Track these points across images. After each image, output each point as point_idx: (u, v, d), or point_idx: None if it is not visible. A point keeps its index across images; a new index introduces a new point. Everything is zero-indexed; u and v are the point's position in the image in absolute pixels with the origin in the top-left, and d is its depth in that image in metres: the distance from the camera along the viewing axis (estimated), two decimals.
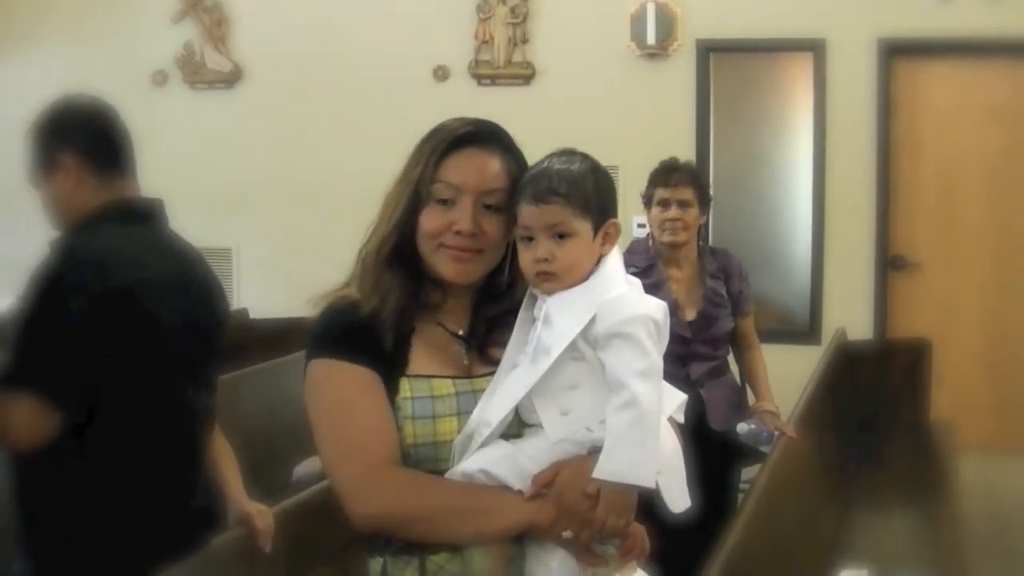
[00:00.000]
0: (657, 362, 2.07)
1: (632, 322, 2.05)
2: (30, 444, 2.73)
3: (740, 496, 4.47)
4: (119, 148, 3.01)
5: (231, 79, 8.78)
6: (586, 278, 2.13)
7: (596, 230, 2.14)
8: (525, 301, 2.20)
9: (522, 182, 2.17)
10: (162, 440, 2.93)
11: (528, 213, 2.12)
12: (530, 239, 2.13)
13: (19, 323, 2.76)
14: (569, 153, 2.20)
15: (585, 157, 2.20)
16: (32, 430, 2.72)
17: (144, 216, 3.01)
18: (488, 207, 2.17)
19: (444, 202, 2.16)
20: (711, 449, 4.09)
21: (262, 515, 3.18)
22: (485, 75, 8.33)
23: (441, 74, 8.37)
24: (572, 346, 2.07)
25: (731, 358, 4.88)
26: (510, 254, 2.23)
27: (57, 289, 2.76)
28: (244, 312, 7.65)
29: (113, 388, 2.80)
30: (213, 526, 3.06)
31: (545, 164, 2.16)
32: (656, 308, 2.11)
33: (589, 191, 2.13)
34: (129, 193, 3.00)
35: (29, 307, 2.76)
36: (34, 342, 2.76)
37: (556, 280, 2.12)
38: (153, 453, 2.90)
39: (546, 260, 2.11)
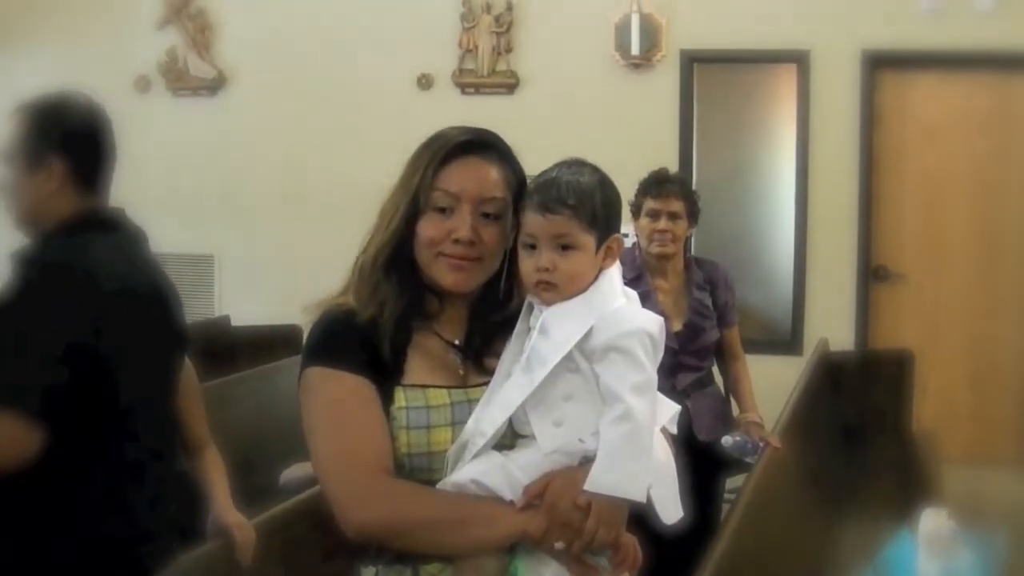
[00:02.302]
0: (652, 377, 2.07)
1: (629, 336, 2.05)
2: (16, 462, 2.66)
3: (725, 507, 4.47)
4: (106, 161, 2.97)
5: (214, 86, 8.77)
6: (585, 290, 2.13)
7: (600, 244, 2.13)
8: (523, 311, 2.20)
9: (529, 189, 2.17)
10: (143, 451, 2.91)
11: (534, 222, 2.12)
12: (533, 247, 2.13)
13: None
14: (579, 163, 2.19)
15: (594, 169, 2.19)
16: (17, 448, 2.66)
17: (113, 226, 2.97)
18: (486, 216, 2.17)
19: (443, 210, 2.15)
20: (696, 459, 4.08)
21: (242, 528, 3.16)
22: (469, 84, 8.33)
23: (425, 82, 8.36)
24: (568, 357, 2.06)
25: (714, 369, 4.88)
26: (507, 263, 2.22)
27: (40, 300, 2.71)
28: (226, 319, 7.62)
29: (98, 398, 2.77)
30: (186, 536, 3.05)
31: (554, 173, 2.15)
32: (652, 323, 2.11)
33: (597, 205, 2.12)
34: (100, 203, 2.97)
35: (8, 318, 2.71)
36: (15, 356, 2.69)
37: (555, 290, 2.12)
38: (134, 464, 2.89)
39: (547, 270, 2.10)
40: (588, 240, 2.11)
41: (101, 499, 2.81)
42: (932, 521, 3.21)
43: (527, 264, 2.14)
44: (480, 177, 2.18)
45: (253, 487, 4.00)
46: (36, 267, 2.77)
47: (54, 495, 2.77)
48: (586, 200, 2.11)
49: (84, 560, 2.78)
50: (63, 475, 2.74)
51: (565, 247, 2.11)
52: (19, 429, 2.64)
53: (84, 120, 2.95)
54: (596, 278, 2.14)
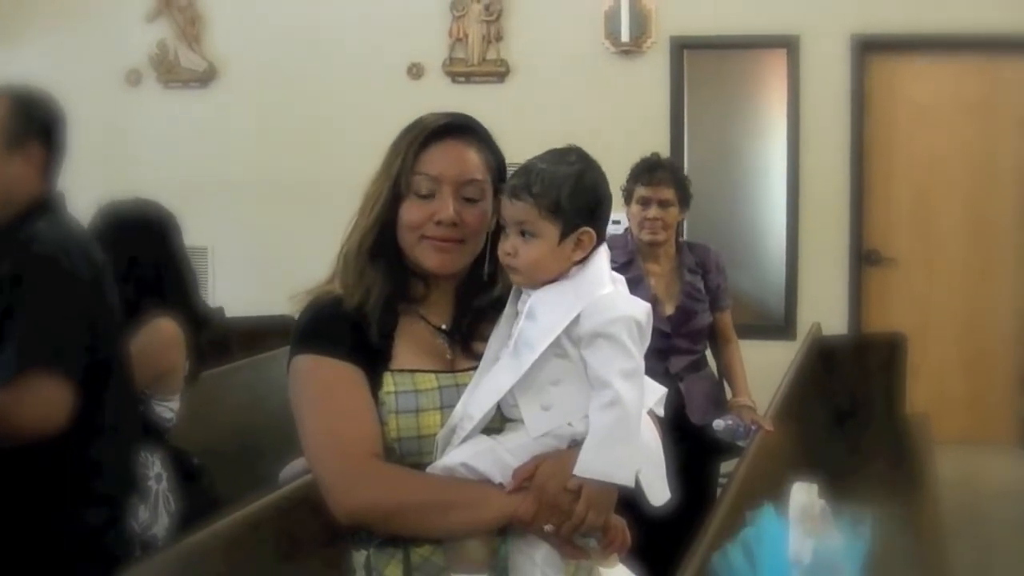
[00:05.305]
0: (640, 363, 2.08)
1: (615, 323, 2.06)
2: (55, 425, 2.76)
3: (719, 490, 4.49)
4: (65, 151, 3.08)
5: (205, 78, 8.75)
6: (561, 277, 2.13)
7: (565, 235, 2.12)
8: (511, 295, 2.21)
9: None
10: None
11: (503, 205, 2.15)
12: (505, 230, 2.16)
13: (24, 308, 2.79)
14: (567, 152, 2.19)
15: (581, 159, 2.18)
16: (59, 413, 2.75)
17: (62, 209, 3.08)
18: (467, 199, 2.19)
19: (424, 195, 2.17)
20: (690, 442, 4.10)
21: None
22: (459, 73, 8.33)
23: (415, 72, 8.36)
24: (556, 343, 2.07)
25: (708, 353, 4.90)
26: (490, 246, 2.24)
27: (55, 273, 2.82)
28: (220, 310, 7.59)
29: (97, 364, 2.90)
30: None
31: (533, 161, 2.16)
32: (640, 310, 2.12)
33: (563, 195, 2.11)
34: (53, 188, 3.07)
35: (30, 291, 2.79)
36: (42, 324, 2.79)
37: (521, 275, 2.14)
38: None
39: (508, 255, 2.13)
40: (549, 229, 2.11)
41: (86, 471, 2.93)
42: (803, 496, 3.10)
43: (501, 247, 2.17)
44: (460, 160, 2.20)
45: (252, 474, 4.02)
46: (42, 243, 2.86)
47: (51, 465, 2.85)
48: (551, 189, 2.10)
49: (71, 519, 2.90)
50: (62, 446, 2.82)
51: (526, 234, 2.12)
52: (63, 393, 2.76)
53: (57, 109, 3.07)
54: (584, 263, 2.14)
